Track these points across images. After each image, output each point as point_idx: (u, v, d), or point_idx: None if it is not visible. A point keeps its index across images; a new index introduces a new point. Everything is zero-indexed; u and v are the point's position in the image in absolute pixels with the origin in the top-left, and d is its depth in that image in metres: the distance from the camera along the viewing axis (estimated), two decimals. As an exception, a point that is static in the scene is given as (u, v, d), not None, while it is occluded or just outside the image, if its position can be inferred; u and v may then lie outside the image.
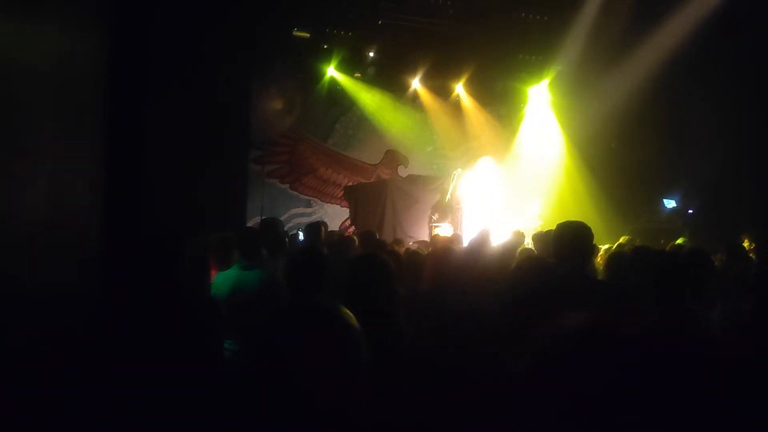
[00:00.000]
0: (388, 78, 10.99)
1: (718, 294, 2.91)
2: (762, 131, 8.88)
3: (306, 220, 10.12)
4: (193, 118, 6.36)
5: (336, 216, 11.14)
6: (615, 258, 3.58)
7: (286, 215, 10.56)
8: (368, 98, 11.14)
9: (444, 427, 2.12)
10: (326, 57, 10.49)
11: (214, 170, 7.15)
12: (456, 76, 11.22)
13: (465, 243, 6.07)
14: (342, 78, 10.87)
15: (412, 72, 10.96)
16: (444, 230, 9.38)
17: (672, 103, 9.77)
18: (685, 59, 8.83)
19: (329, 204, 11.31)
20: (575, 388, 1.67)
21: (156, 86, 4.93)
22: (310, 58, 10.40)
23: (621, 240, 6.32)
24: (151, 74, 4.73)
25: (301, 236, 7.20)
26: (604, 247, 5.46)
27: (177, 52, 5.74)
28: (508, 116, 12.06)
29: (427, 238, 9.26)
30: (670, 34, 8.84)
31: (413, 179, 11.67)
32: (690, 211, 10.35)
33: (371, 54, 10.44)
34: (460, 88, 11.51)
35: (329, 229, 7.26)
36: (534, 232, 6.84)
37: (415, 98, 11.46)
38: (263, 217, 8.39)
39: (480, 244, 3.82)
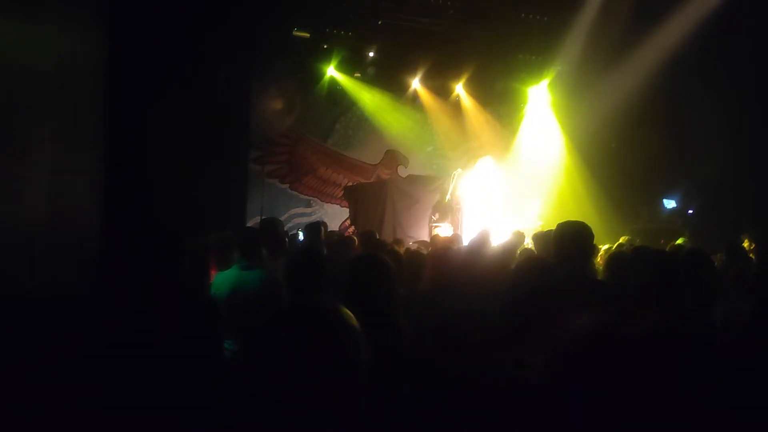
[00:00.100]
0: (388, 78, 10.99)
1: (718, 294, 2.90)
2: (762, 131, 8.88)
3: (306, 220, 10.11)
4: (193, 118, 6.37)
5: (336, 216, 11.14)
6: (615, 258, 3.58)
7: (286, 215, 10.56)
8: (368, 98, 11.14)
9: (444, 427, 2.12)
10: (326, 57, 10.49)
11: (214, 170, 7.16)
12: (456, 76, 11.22)
13: (465, 243, 6.07)
14: (342, 78, 10.87)
15: (412, 72, 10.96)
16: (444, 230, 9.38)
17: (672, 103, 9.76)
18: (685, 59, 8.83)
19: (329, 204, 11.31)
20: (581, 389, 1.67)
21: (156, 86, 4.93)
22: (310, 58, 10.40)
23: (621, 240, 6.31)
24: (151, 74, 4.73)
25: (301, 236, 7.20)
26: (604, 247, 5.46)
27: (177, 52, 5.74)
28: (508, 116, 12.06)
29: (427, 238, 9.26)
30: (670, 34, 8.84)
31: (413, 179, 11.67)
32: (690, 211, 10.35)
33: (371, 54, 10.43)
34: (460, 88, 11.51)
35: (329, 229, 7.26)
36: (534, 232, 6.84)
37: (415, 98, 11.45)
38: (263, 217, 8.40)
39: (480, 244, 3.82)
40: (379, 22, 9.73)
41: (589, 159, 10.77)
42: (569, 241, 2.75)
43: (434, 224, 10.05)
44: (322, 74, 10.75)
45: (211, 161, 7.16)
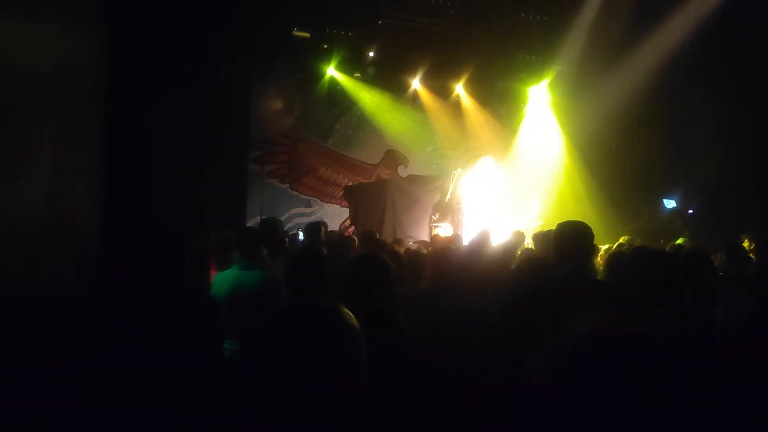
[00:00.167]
0: (388, 78, 10.98)
1: (718, 294, 2.90)
2: (762, 131, 8.88)
3: (306, 220, 10.11)
4: (193, 118, 6.37)
5: (336, 216, 11.14)
6: (615, 258, 3.58)
7: (286, 215, 10.55)
8: (368, 98, 11.14)
9: (444, 427, 2.12)
10: (326, 57, 10.48)
11: (214, 170, 7.17)
12: (456, 76, 11.21)
13: (465, 243, 6.07)
14: (342, 78, 10.87)
15: (412, 72, 10.96)
16: (444, 230, 9.39)
17: (672, 103, 9.76)
18: (685, 59, 8.82)
19: (329, 204, 11.30)
20: (581, 389, 1.67)
21: (156, 86, 4.93)
22: (310, 58, 10.40)
23: (621, 240, 6.32)
24: (151, 74, 4.73)
25: (301, 236, 7.20)
26: (604, 247, 5.46)
27: (177, 52, 5.74)
28: (508, 116, 12.05)
29: (427, 238, 9.27)
30: (670, 34, 8.84)
31: (413, 179, 11.67)
32: (690, 211, 10.35)
33: (371, 54, 10.43)
34: (460, 88, 11.50)
35: (329, 229, 7.26)
36: (534, 232, 6.84)
37: (415, 98, 11.45)
38: (263, 217, 8.40)
39: (480, 244, 3.81)
40: (379, 22, 9.72)
41: (589, 159, 10.77)
42: (569, 241, 2.75)
43: (434, 224, 10.06)
44: (322, 74, 10.75)
45: (211, 161, 7.16)
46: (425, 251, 5.17)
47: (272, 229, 4.38)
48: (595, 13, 9.13)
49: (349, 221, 11.18)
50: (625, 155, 10.62)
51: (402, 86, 11.25)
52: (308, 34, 9.90)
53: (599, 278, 3.39)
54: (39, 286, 2.79)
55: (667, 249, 5.30)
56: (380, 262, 2.41)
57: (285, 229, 5.52)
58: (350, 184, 11.38)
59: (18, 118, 2.81)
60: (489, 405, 2.24)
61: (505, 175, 10.39)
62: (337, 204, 11.33)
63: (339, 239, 6.03)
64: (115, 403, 2.07)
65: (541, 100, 11.63)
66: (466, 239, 6.55)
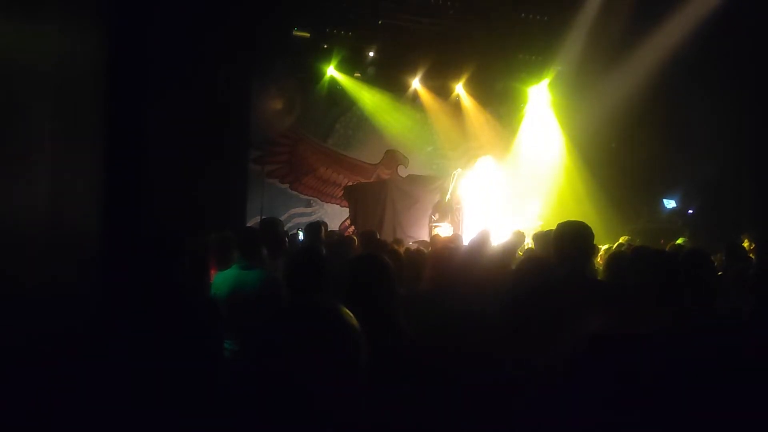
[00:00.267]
0: (388, 78, 10.99)
1: (718, 294, 2.90)
2: (762, 131, 8.88)
3: (306, 220, 10.11)
4: (193, 118, 6.37)
5: (336, 216, 11.14)
6: (615, 258, 3.58)
7: (286, 215, 10.56)
8: (368, 98, 11.14)
9: (444, 427, 2.12)
10: (326, 57, 10.49)
11: (214, 170, 7.17)
12: (456, 76, 11.22)
13: (465, 243, 6.07)
14: (342, 78, 10.87)
15: (412, 72, 10.96)
16: (444, 230, 9.38)
17: (672, 103, 9.76)
18: (685, 59, 8.83)
19: (329, 204, 11.31)
20: (581, 389, 1.67)
21: (156, 86, 4.93)
22: (310, 58, 10.40)
23: (621, 240, 6.32)
24: (151, 74, 4.73)
25: (301, 236, 7.20)
26: (604, 247, 5.46)
27: (177, 52, 5.74)
28: (508, 116, 12.06)
29: (427, 238, 9.27)
30: (670, 34, 8.84)
31: (413, 179, 11.67)
32: (690, 211, 10.35)
33: (371, 54, 10.44)
34: (460, 88, 11.51)
35: (329, 229, 7.26)
36: (534, 232, 6.84)
37: (415, 98, 11.46)
38: (263, 217, 8.39)
39: (480, 244, 3.81)
40: (379, 22, 9.72)
41: (589, 159, 10.77)
42: (569, 241, 2.74)
43: (434, 224, 10.05)
44: (322, 74, 10.75)
45: (211, 161, 7.16)
46: (425, 251, 5.17)
47: (272, 229, 4.38)
48: (595, 13, 9.13)
49: (349, 221, 11.18)
50: (625, 155, 10.62)
51: (402, 86, 11.25)
52: (308, 34, 9.90)
53: (599, 278, 3.39)
54: (39, 286, 2.79)
55: (667, 249, 5.30)
56: (380, 262, 2.41)
57: (285, 229, 5.52)
58: (350, 184, 11.38)
59: (18, 118, 2.81)
60: (489, 405, 2.24)
61: (505, 175, 10.40)
62: (337, 204, 11.33)
63: (339, 239, 6.03)
64: (116, 403, 2.07)
65: (541, 100, 11.64)
66: (466, 239, 6.55)
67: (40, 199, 2.93)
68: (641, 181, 10.60)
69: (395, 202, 11.23)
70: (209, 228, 4.42)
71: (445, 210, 10.15)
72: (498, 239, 5.03)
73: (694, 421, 1.90)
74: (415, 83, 11.19)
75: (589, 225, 2.80)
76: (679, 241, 6.62)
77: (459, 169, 10.31)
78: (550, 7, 9.56)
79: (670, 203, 10.63)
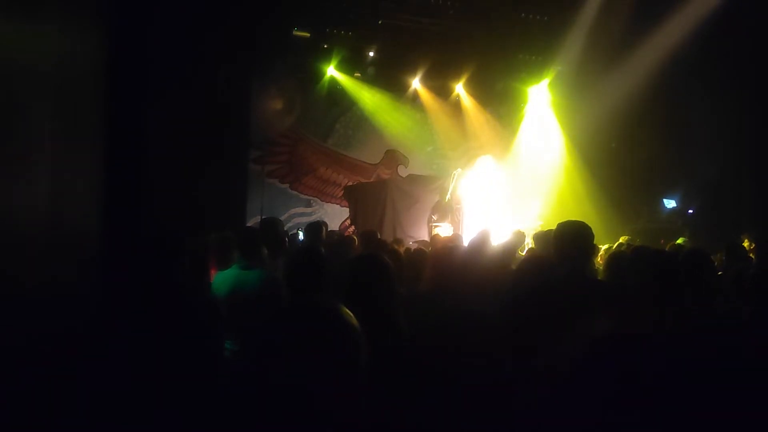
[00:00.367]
0: (388, 78, 10.99)
1: (718, 294, 2.90)
2: (762, 131, 8.88)
3: (306, 220, 10.11)
4: (193, 118, 6.37)
5: (336, 216, 11.14)
6: (615, 258, 3.57)
7: (286, 215, 10.56)
8: (368, 98, 11.15)
9: (444, 427, 2.12)
10: (326, 57, 10.49)
11: (214, 170, 7.17)
12: (456, 76, 11.22)
13: (465, 243, 6.07)
14: (342, 78, 10.87)
15: (412, 72, 10.96)
16: (444, 230, 9.38)
17: (672, 103, 9.77)
18: (685, 59, 8.83)
19: (329, 204, 11.31)
20: (581, 390, 1.67)
21: (156, 86, 4.93)
22: (310, 58, 10.40)
23: (621, 240, 6.32)
24: (151, 74, 4.73)
25: (301, 236, 7.20)
26: (604, 247, 5.46)
27: (177, 52, 5.74)
28: (508, 116, 12.06)
29: (427, 238, 9.27)
30: (670, 34, 8.84)
31: (413, 179, 11.67)
32: (690, 211, 10.35)
33: (371, 54, 10.44)
34: (460, 88, 11.51)
35: (329, 229, 7.26)
36: (534, 231, 6.85)
37: (415, 98, 11.46)
38: (263, 217, 8.39)
39: (480, 244, 3.81)
40: (379, 22, 9.72)
41: (589, 159, 10.77)
42: (569, 241, 2.74)
43: (434, 224, 10.05)
44: (322, 74, 10.75)
45: (211, 161, 7.16)
46: (425, 251, 5.17)
47: (272, 229, 4.38)
48: (595, 13, 9.13)
49: (349, 221, 11.18)
50: (625, 155, 10.63)
51: (402, 86, 11.26)
52: (308, 34, 9.90)
53: (599, 278, 3.39)
54: (39, 286, 2.79)
55: (667, 249, 5.30)
56: (380, 262, 2.41)
57: (285, 229, 5.52)
58: (350, 183, 11.38)
59: (18, 118, 2.81)
60: (489, 405, 2.24)
61: (505, 175, 10.40)
62: (337, 204, 11.33)
63: (339, 239, 6.03)
64: (116, 403, 2.07)
65: (541, 100, 11.64)
66: (466, 239, 6.55)
67: (40, 199, 2.93)
68: (641, 181, 10.60)
69: (395, 202, 11.22)
70: (209, 228, 4.42)
71: (445, 210, 10.15)
72: (498, 239, 5.03)
73: (694, 421, 1.90)
74: (415, 83, 11.20)
75: (589, 225, 2.80)
76: (679, 241, 6.62)
77: (459, 169, 10.31)
78: (550, 7, 9.56)
79: (670, 203, 10.63)
